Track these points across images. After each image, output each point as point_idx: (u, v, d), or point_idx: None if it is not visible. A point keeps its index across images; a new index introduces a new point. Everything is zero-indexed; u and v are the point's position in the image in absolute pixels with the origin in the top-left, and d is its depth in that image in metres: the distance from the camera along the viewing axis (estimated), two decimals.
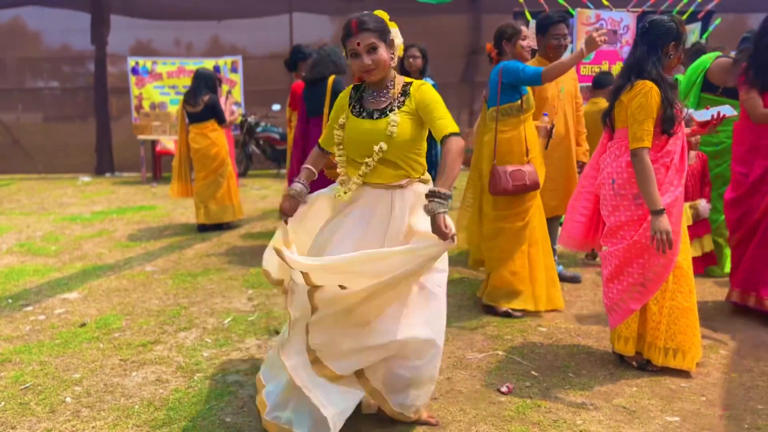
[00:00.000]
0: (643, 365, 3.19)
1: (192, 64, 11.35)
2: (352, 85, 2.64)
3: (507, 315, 3.96)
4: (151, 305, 4.24)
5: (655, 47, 3.05)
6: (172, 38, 12.40)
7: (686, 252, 3.12)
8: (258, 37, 12.15)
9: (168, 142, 10.96)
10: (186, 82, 11.32)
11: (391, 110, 2.47)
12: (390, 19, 2.51)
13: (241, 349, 3.49)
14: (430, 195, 2.22)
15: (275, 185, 10.09)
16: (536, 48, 4.25)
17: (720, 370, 3.22)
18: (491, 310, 4.03)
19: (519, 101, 3.87)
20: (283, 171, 11.26)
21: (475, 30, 12.28)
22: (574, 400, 2.89)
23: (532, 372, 3.19)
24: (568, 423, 2.69)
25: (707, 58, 4.72)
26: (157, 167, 11.14)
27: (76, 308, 4.20)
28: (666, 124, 2.99)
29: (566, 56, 3.87)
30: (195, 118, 6.49)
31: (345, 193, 2.56)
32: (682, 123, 3.11)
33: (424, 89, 2.48)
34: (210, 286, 4.65)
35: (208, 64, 11.29)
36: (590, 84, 5.89)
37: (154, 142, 11.00)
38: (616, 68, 7.04)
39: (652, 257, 3.00)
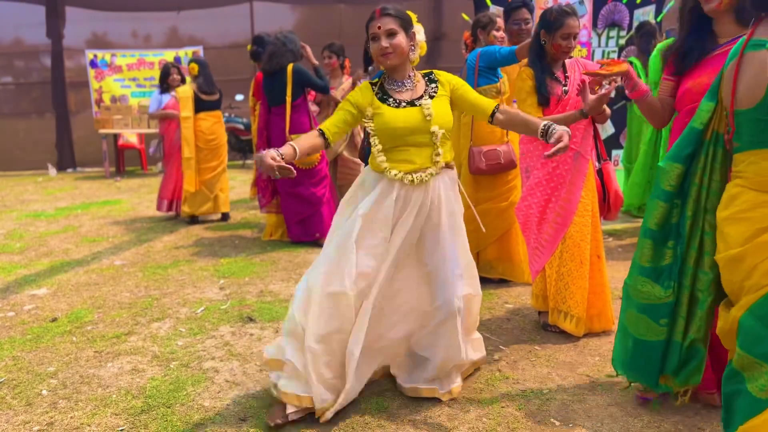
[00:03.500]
0: (546, 325, 3.51)
1: (152, 56, 11.24)
2: (368, 81, 2.68)
3: (502, 281, 4.34)
4: (123, 298, 4.25)
5: (536, 35, 3.36)
6: (129, 30, 12.19)
7: (580, 225, 3.33)
8: (218, 27, 12.04)
9: (131, 136, 10.85)
10: (146, 74, 11.23)
11: (431, 97, 2.58)
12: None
13: (215, 336, 3.53)
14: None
15: (241, 176, 10.07)
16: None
17: None
18: (486, 281, 4.14)
19: (498, 83, 4.09)
20: (249, 162, 11.23)
21: (436, 16, 12.34)
22: (540, 371, 3.02)
23: (500, 346, 3.31)
24: (535, 392, 2.81)
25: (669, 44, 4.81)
26: (120, 161, 11.02)
27: (45, 304, 4.19)
28: (539, 99, 3.30)
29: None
30: (212, 106, 6.52)
31: (413, 181, 2.55)
32: (564, 102, 3.31)
33: (451, 76, 2.66)
34: (181, 277, 4.68)
35: (169, 55, 11.19)
36: None
37: (116, 136, 10.87)
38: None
39: (543, 224, 3.37)
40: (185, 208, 6.56)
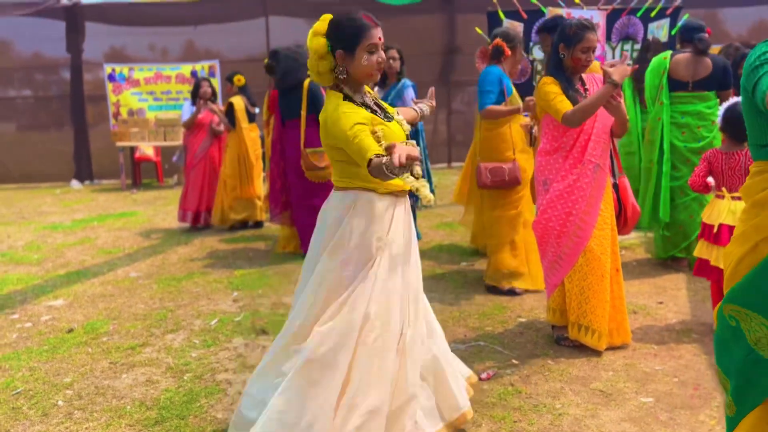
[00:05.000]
0: (560, 338, 3.48)
1: (169, 70, 11.37)
2: (336, 91, 2.37)
3: (512, 293, 4.33)
4: (138, 309, 4.29)
5: (555, 48, 3.37)
6: (147, 44, 12.37)
7: (600, 238, 3.32)
8: (234, 41, 12.17)
9: (147, 149, 10.97)
10: (163, 87, 11.37)
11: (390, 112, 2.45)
12: None
13: (228, 348, 3.56)
14: None
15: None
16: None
17: (692, 352, 3.35)
18: (494, 290, 4.38)
19: (503, 103, 4.20)
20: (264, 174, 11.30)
21: (450, 29, 12.40)
22: (553, 386, 3.01)
23: (513, 360, 3.30)
24: (547, 407, 2.80)
25: (662, 59, 4.78)
26: (136, 174, 11.13)
27: (62, 315, 4.24)
28: None
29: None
30: (254, 118, 6.94)
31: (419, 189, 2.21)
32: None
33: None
34: (195, 289, 4.71)
35: (185, 69, 11.32)
36: None
37: (133, 149, 10.99)
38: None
39: (562, 238, 3.34)
40: (233, 215, 6.82)
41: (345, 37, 2.27)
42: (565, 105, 3.20)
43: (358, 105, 2.33)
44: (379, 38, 2.30)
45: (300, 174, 5.33)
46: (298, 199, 5.45)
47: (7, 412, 2.88)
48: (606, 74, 3.07)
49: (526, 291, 4.36)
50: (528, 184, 4.31)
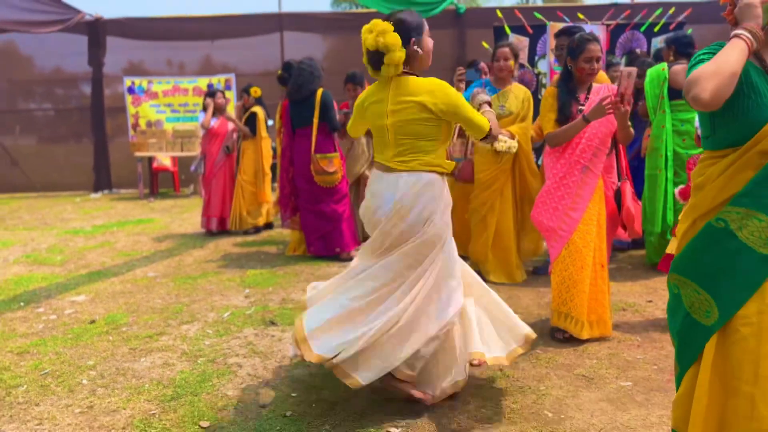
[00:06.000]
0: (554, 330, 3.71)
1: (186, 83, 11.74)
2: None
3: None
4: (155, 304, 4.56)
5: (564, 60, 3.68)
6: (165, 58, 12.78)
7: (584, 233, 3.57)
8: (250, 55, 12.55)
9: (165, 159, 11.34)
10: (181, 100, 11.75)
11: None
12: None
13: (239, 337, 3.81)
14: None
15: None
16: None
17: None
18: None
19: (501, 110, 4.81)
20: (275, 185, 11.62)
21: (461, 44, 12.69)
22: (540, 371, 3.23)
23: None
24: (532, 389, 3.02)
25: (660, 70, 5.00)
26: (154, 183, 11.49)
27: (84, 308, 4.52)
28: (558, 117, 3.66)
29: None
30: (269, 130, 7.41)
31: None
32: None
33: None
34: (209, 287, 4.98)
35: (202, 82, 11.68)
36: None
37: (150, 159, 11.36)
38: None
39: (549, 231, 3.66)
40: (250, 220, 7.25)
41: (415, 26, 2.73)
42: (550, 125, 3.66)
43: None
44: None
45: (308, 179, 5.62)
46: (306, 203, 5.73)
47: (36, 389, 3.15)
48: (584, 111, 3.48)
49: (502, 284, 4.81)
50: (482, 185, 4.90)
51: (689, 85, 1.74)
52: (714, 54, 1.80)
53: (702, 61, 1.81)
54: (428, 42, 2.82)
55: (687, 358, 1.98)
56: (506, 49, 4.83)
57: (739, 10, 1.81)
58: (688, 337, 1.96)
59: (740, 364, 1.85)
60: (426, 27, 2.79)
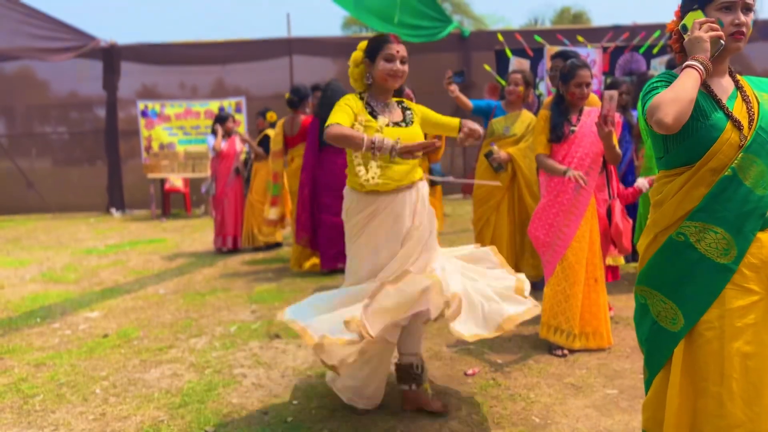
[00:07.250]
0: (552, 347, 3.79)
1: (198, 106, 12.05)
2: (356, 93, 2.93)
3: None
4: (165, 319, 4.75)
5: (557, 86, 3.90)
6: (178, 82, 13.13)
7: (577, 249, 3.72)
8: (260, 78, 12.88)
9: (176, 180, 11.62)
10: (193, 123, 12.05)
11: (412, 120, 2.96)
12: None
13: (245, 350, 3.98)
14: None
15: None
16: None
17: None
18: None
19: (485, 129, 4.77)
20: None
21: (466, 66, 12.94)
22: (530, 380, 3.37)
23: (497, 360, 3.68)
24: (522, 396, 3.17)
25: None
26: (166, 204, 11.76)
27: (98, 324, 4.71)
28: (551, 136, 3.83)
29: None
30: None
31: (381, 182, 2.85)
32: (570, 141, 3.80)
33: (415, 103, 3.08)
34: (217, 303, 5.16)
35: (214, 105, 11.97)
36: None
37: (163, 181, 11.63)
38: None
39: (545, 247, 3.81)
40: (261, 237, 7.49)
41: (370, 48, 2.88)
42: (541, 147, 3.83)
43: (364, 104, 2.86)
44: (398, 51, 2.83)
45: (337, 194, 5.79)
46: (330, 217, 5.81)
47: (53, 398, 3.33)
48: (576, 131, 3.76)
49: None
50: (479, 200, 5.09)
51: (652, 111, 1.91)
52: (667, 82, 1.97)
53: (656, 89, 1.99)
54: (380, 66, 2.83)
55: (655, 363, 2.12)
56: (518, 75, 5.03)
57: (688, 43, 1.98)
58: (657, 344, 2.11)
59: (706, 365, 2.00)
60: (388, 51, 2.81)
